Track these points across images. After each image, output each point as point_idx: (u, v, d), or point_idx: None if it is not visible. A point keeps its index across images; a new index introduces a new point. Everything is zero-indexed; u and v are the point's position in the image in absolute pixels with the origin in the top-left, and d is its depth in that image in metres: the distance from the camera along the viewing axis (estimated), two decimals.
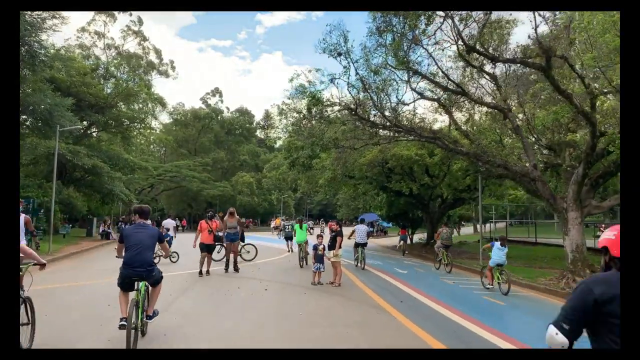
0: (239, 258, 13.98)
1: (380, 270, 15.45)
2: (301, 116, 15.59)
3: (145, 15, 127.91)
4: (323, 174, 22.07)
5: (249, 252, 15.90)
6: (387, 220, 34.13)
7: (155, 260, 6.52)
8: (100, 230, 30.84)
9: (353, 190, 30.48)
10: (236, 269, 13.13)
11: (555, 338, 2.24)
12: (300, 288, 10.87)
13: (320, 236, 12.13)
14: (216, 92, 73.15)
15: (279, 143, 26.75)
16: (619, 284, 2.41)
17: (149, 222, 6.56)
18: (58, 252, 19.74)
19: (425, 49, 12.99)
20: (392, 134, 15.30)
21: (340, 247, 11.39)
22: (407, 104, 14.95)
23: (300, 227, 15.57)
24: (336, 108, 14.73)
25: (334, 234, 11.58)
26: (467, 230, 53.40)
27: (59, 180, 27.25)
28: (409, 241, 28.86)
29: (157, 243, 6.33)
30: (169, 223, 21.39)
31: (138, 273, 5.83)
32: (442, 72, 12.91)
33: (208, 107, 70.55)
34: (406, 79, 14.97)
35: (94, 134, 35.93)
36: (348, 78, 13.49)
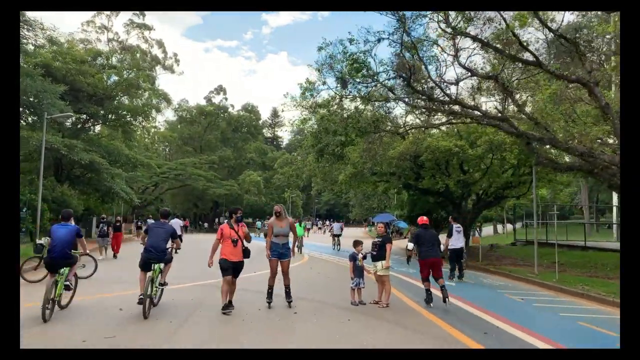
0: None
1: (419, 281, 12.87)
2: (333, 93, 12.97)
3: (151, 15, 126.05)
4: (346, 169, 19.53)
5: None
6: (408, 220, 31.48)
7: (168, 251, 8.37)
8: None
9: (372, 188, 27.94)
10: (289, 300, 8.45)
11: None
12: (338, 310, 8.34)
13: (359, 242, 9.55)
14: (220, 89, 70.76)
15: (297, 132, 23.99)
16: None
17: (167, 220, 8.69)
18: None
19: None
20: (445, 116, 12.67)
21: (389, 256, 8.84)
22: (457, 82, 12.28)
23: (300, 225, 18.09)
24: (380, 80, 11.86)
25: (380, 239, 9.01)
26: (486, 230, 50.75)
27: (52, 177, 24.90)
28: None
29: (171, 238, 8.22)
30: (176, 223, 21.58)
31: (154, 256, 7.80)
32: (514, 34, 10.13)
33: (212, 105, 68.14)
34: (452, 52, 12.45)
35: (92, 127, 33.54)
36: (402, 37, 10.74)
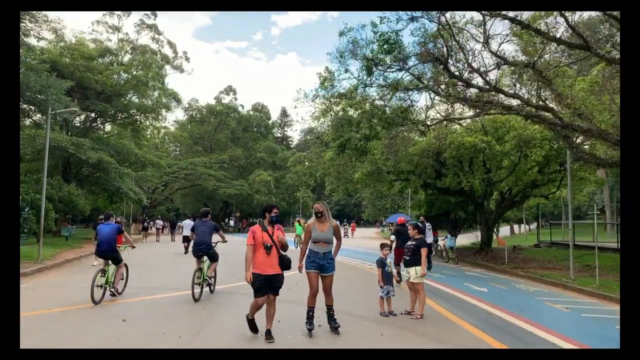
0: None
1: (449, 287, 11.89)
2: (355, 82, 11.88)
3: (161, 17, 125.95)
4: (362, 167, 18.54)
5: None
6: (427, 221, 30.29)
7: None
8: None
9: (388, 187, 26.89)
10: (336, 327, 6.62)
11: None
12: (369, 323, 7.37)
13: (385, 245, 8.57)
14: (230, 90, 69.96)
15: (313, 125, 22.85)
16: None
17: (208, 218, 9.89)
18: (52, 258, 16.58)
19: None
20: (473, 108, 11.61)
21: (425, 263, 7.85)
22: (498, 67, 11.20)
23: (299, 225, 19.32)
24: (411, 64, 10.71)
25: (414, 243, 8.02)
26: (503, 231, 49.33)
27: (59, 176, 24.25)
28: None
29: (215, 232, 9.62)
30: (187, 224, 21.44)
31: (201, 250, 9.39)
32: (562, 15, 9.00)
33: (222, 105, 67.40)
34: (482, 40, 11.42)
35: (102, 126, 32.90)
36: (439, 19, 9.64)
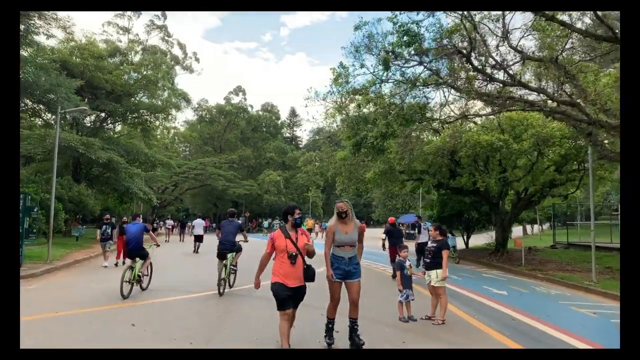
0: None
1: (467, 290, 11.47)
2: (371, 78, 11.49)
3: (170, 17, 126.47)
4: (375, 166, 18.17)
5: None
6: (439, 221, 29.86)
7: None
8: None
9: (400, 187, 26.47)
10: (360, 344, 5.75)
11: None
12: (389, 329, 7.01)
13: (404, 247, 8.18)
14: (239, 90, 69.87)
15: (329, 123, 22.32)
16: None
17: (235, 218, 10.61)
18: (61, 259, 16.43)
19: None
20: (490, 105, 11.16)
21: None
22: (523, 60, 10.73)
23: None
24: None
25: (435, 245, 7.64)
26: (515, 232, 48.47)
27: (69, 176, 24.18)
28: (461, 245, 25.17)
29: (239, 232, 10.29)
30: (199, 223, 21.66)
31: (226, 247, 9.96)
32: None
33: (232, 105, 67.31)
34: (501, 34, 10.99)
35: (113, 125, 32.85)
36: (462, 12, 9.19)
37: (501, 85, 10.52)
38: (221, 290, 9.48)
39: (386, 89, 11.75)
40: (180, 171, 49.44)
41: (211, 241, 25.68)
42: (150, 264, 10.32)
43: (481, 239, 30.14)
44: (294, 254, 5.18)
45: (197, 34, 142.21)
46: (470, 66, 10.10)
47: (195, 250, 20.88)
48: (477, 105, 18.50)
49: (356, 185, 25.13)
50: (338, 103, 13.83)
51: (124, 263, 14.60)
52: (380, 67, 10.64)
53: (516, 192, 20.00)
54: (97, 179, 28.46)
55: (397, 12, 9.43)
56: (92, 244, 24.67)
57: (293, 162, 64.39)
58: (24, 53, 18.42)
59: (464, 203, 25.13)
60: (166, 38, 47.45)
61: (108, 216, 16.04)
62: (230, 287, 10.18)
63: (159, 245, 11.01)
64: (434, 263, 7.45)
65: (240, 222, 10.85)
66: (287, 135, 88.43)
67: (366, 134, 13.06)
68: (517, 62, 10.65)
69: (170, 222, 30.25)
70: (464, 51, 9.76)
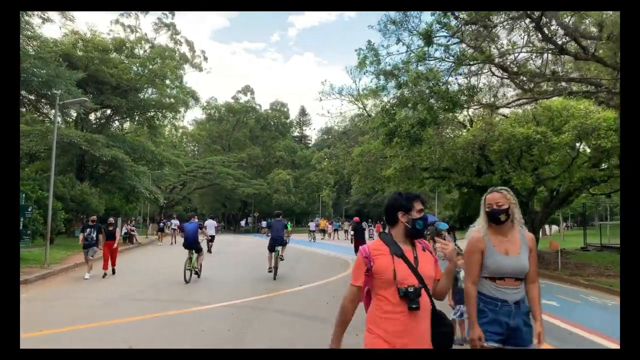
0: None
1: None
2: (405, 57, 10.03)
3: (178, 18, 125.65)
4: (396, 161, 16.81)
5: None
6: (458, 223, 28.53)
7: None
8: (123, 232, 26.42)
9: (419, 185, 25.10)
10: None
11: None
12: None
13: (460, 255, 6.53)
14: (247, 90, 68.56)
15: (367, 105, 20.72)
16: None
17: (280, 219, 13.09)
18: (61, 262, 15.29)
19: None
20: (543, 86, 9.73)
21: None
22: (600, 28, 9.17)
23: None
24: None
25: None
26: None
27: (71, 174, 23.10)
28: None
29: (285, 229, 13.01)
30: (210, 224, 21.13)
31: (276, 242, 12.32)
32: None
33: (240, 104, 66.14)
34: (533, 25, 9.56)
35: (120, 122, 31.77)
36: None
37: (574, 58, 9.07)
38: (275, 277, 11.99)
39: (432, 64, 10.23)
40: (188, 170, 48.41)
41: (221, 240, 24.35)
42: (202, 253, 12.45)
43: None
44: (415, 289, 2.55)
45: (205, 35, 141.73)
46: (539, 34, 8.68)
47: (209, 250, 20.01)
48: (509, 94, 17.10)
49: (372, 184, 23.76)
50: (353, 97, 12.46)
51: (114, 273, 12.98)
52: (420, 43, 9.23)
53: (549, 190, 18.52)
54: (102, 178, 27.39)
55: None
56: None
57: (303, 160, 63.09)
58: (28, 48, 17.37)
59: None
60: (174, 36, 46.43)
61: (94, 217, 13.94)
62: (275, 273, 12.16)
63: (209, 239, 14.48)
64: None
65: (285, 221, 13.52)
66: (297, 134, 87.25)
67: (400, 123, 11.42)
68: (594, 37, 9.11)
69: (175, 221, 27.85)
70: (534, 15, 8.23)
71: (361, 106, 21.72)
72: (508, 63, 9.46)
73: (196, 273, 11.84)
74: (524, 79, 9.56)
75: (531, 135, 14.03)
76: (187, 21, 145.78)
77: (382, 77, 10.79)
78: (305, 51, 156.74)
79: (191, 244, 11.93)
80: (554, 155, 16.95)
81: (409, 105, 10.21)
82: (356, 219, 18.46)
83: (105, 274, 12.72)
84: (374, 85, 11.28)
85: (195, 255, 11.88)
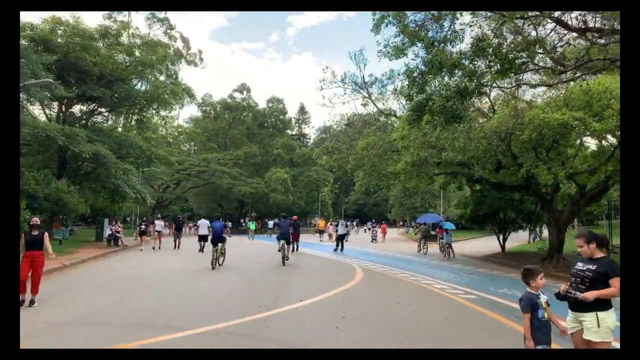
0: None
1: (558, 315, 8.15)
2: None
3: (176, 18, 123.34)
4: (407, 154, 14.89)
5: None
6: (470, 222, 26.54)
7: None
8: (108, 234, 24.23)
9: (428, 182, 23.19)
10: None
11: None
12: None
13: (535, 272, 4.36)
14: (243, 88, 66.32)
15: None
16: None
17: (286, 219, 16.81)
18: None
19: None
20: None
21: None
22: None
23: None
24: None
25: (593, 269, 4.24)
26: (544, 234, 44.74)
27: (46, 170, 21.07)
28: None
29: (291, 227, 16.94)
30: (203, 224, 21.29)
31: (285, 237, 15.85)
32: None
33: (236, 102, 63.99)
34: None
35: (101, 115, 29.67)
36: None
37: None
38: (284, 263, 15.37)
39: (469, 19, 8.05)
40: (181, 168, 46.33)
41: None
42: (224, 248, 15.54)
43: (512, 242, 27.00)
44: None
45: (204, 34, 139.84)
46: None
47: (201, 249, 20.34)
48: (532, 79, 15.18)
49: (377, 181, 21.83)
50: (358, 85, 10.47)
51: (31, 304, 8.30)
52: None
53: (580, 185, 16.58)
54: (85, 176, 25.32)
55: None
56: (80, 246, 21.57)
57: (301, 158, 61.15)
58: None
59: (501, 201, 21.87)
60: (168, 31, 44.33)
61: (37, 219, 9.31)
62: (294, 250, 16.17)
63: (230, 236, 16.75)
64: (591, 302, 4.11)
65: (290, 220, 17.15)
66: (295, 132, 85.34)
67: (432, 92, 9.05)
68: None
69: (159, 222, 24.28)
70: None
71: (366, 94, 19.81)
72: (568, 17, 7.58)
73: (222, 254, 15.20)
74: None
75: (568, 121, 12.10)
76: (186, 21, 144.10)
77: (405, 38, 8.58)
78: (304, 51, 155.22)
79: (217, 240, 14.77)
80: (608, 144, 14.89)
81: (444, 70, 8.05)
82: (294, 217, 21.89)
83: (33, 300, 8.44)
84: (400, 42, 8.98)
85: (220, 245, 14.81)
